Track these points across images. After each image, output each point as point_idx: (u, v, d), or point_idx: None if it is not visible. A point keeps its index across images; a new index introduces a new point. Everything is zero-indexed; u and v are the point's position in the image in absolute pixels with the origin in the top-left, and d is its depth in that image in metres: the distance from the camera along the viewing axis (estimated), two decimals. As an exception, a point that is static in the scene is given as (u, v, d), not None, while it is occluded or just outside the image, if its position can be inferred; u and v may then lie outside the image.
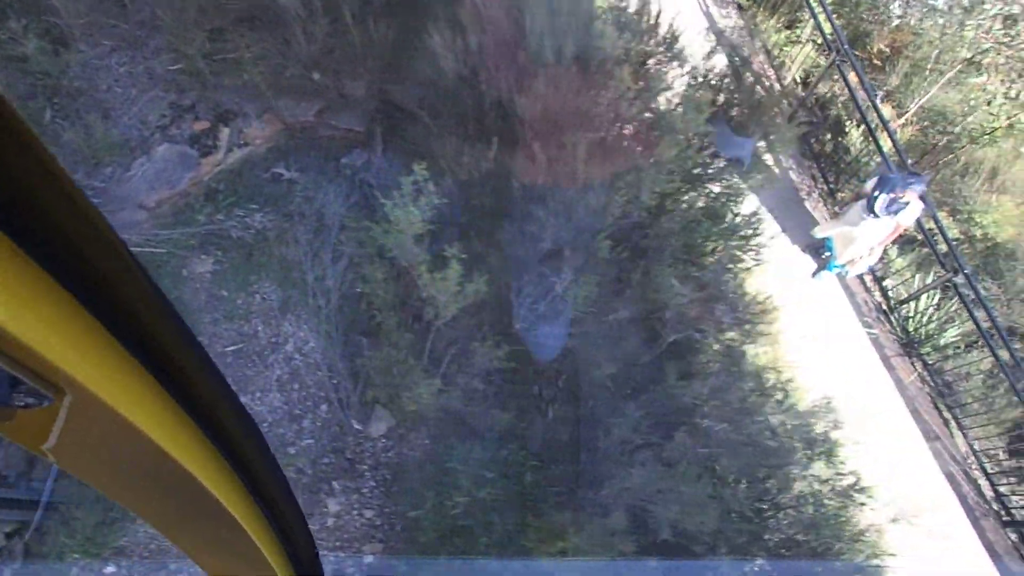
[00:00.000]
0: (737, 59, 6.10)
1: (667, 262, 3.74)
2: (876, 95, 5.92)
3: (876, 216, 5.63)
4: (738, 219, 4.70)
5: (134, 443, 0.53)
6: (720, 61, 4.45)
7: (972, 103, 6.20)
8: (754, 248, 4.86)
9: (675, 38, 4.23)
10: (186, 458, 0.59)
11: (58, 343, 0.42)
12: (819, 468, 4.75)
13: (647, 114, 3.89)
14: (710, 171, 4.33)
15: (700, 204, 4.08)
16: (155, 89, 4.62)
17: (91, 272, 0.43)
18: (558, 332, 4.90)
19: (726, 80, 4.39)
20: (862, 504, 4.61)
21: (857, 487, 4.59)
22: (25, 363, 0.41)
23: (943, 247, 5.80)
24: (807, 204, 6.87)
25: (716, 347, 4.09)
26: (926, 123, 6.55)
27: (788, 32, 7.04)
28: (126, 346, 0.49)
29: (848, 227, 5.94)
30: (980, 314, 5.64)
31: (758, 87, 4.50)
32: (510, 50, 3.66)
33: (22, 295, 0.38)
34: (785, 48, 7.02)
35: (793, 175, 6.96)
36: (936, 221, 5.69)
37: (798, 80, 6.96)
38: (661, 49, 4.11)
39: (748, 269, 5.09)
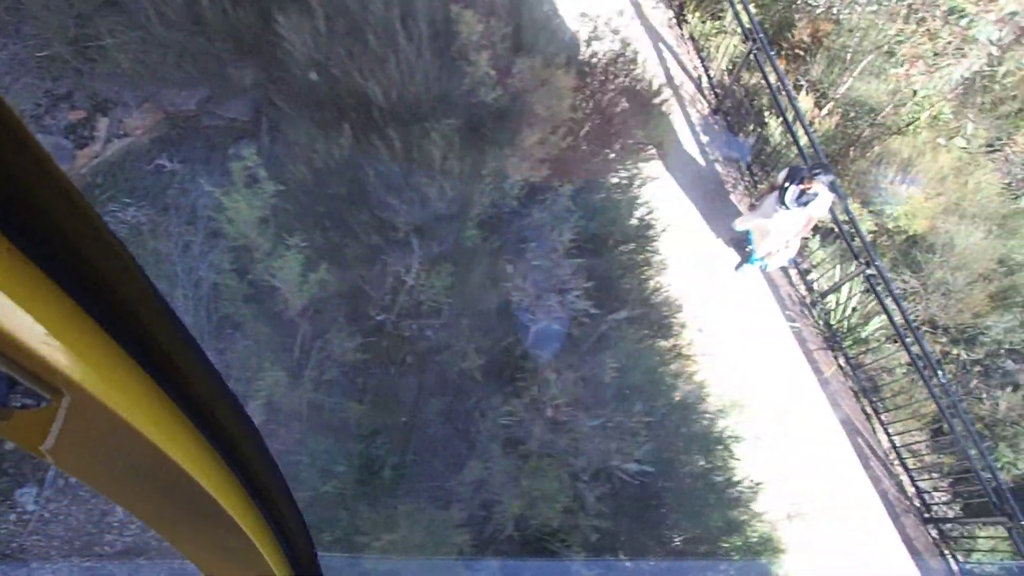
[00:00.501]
0: (628, 47, 6.00)
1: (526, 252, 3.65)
2: (791, 85, 5.84)
3: (787, 208, 5.55)
4: (630, 211, 4.61)
5: (132, 444, 0.54)
6: (604, 47, 4.34)
7: (899, 95, 6.12)
8: (647, 239, 4.78)
9: (551, 23, 4.13)
10: (184, 459, 0.59)
11: (56, 344, 0.42)
12: (705, 463, 4.66)
13: (508, 101, 3.79)
14: (591, 164, 4.23)
15: (571, 193, 3.98)
16: (29, 76, 4.51)
17: (89, 272, 0.42)
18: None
19: (614, 67, 4.28)
20: (737, 498, 4.53)
21: (734, 482, 4.51)
22: (23, 364, 0.41)
23: (859, 240, 5.71)
24: (732, 197, 6.78)
25: (599, 339, 3.99)
26: (852, 114, 6.47)
27: (715, 23, 6.95)
28: (124, 347, 0.49)
29: (763, 219, 5.87)
30: (895, 307, 5.56)
31: (639, 74, 4.40)
32: (361, 33, 3.56)
33: (20, 295, 0.38)
34: (712, 38, 6.93)
35: (719, 167, 6.87)
36: (848, 213, 5.60)
37: (725, 70, 6.87)
38: (533, 34, 4.02)
39: (645, 261, 5.01)
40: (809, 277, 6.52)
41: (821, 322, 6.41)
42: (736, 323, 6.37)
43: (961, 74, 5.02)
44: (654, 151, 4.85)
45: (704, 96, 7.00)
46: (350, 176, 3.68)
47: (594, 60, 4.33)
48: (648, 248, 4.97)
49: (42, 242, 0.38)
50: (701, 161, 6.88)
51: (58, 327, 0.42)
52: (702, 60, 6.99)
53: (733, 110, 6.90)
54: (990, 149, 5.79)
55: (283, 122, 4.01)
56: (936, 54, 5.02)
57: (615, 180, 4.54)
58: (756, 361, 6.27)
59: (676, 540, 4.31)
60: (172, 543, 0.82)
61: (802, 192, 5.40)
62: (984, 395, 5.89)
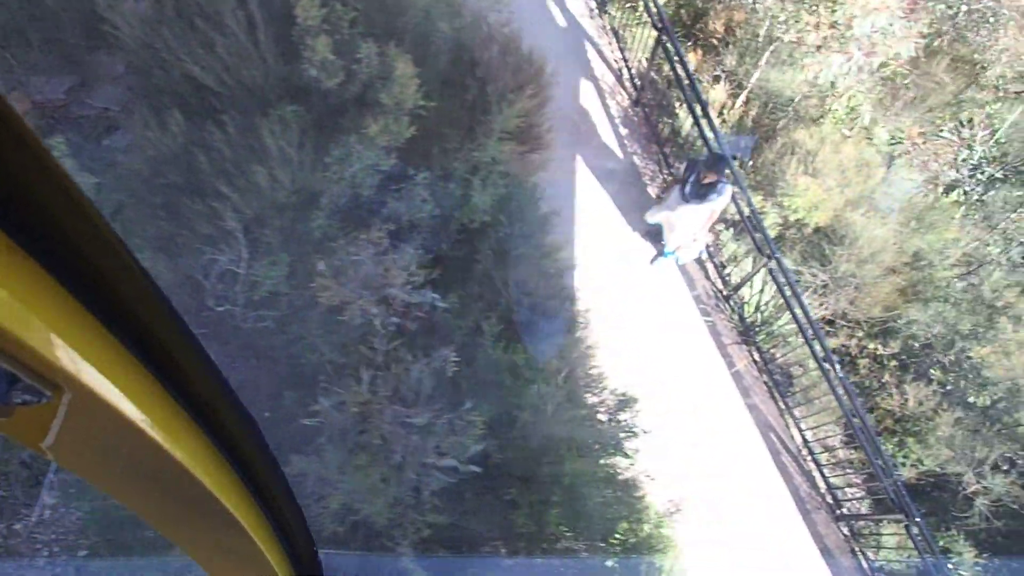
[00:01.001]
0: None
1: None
2: (695, 75, 5.74)
3: (688, 201, 5.46)
4: (508, 201, 4.53)
5: (134, 441, 0.54)
6: (478, 31, 4.24)
7: (812, 86, 6.01)
8: (529, 229, 4.69)
9: (413, 8, 4.04)
10: (186, 457, 0.59)
11: (57, 341, 0.42)
12: (589, 460, 4.58)
13: (357, 87, 3.70)
14: (455, 152, 4.14)
15: (428, 182, 3.88)
16: None
17: (89, 269, 0.42)
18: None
19: (487, 52, 4.18)
20: (621, 495, 4.45)
21: (616, 477, 4.43)
22: (23, 360, 0.41)
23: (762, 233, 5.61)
24: (650, 189, 6.68)
25: (448, 333, 3.91)
26: (770, 105, 6.37)
27: (636, 13, 6.84)
28: (125, 344, 0.49)
29: (669, 212, 5.78)
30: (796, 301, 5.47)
31: (520, 60, 4.30)
32: (190, 17, 3.46)
33: (20, 292, 0.38)
34: (632, 29, 6.82)
35: (637, 159, 6.77)
36: (750, 205, 5.51)
37: (644, 61, 6.75)
38: (388, 18, 3.92)
39: (537, 253, 4.92)
40: (725, 271, 6.43)
41: (735, 316, 6.32)
42: (650, 317, 6.29)
43: (840, 66, 4.92)
44: (541, 140, 4.75)
45: (624, 88, 6.90)
46: (186, 164, 3.58)
47: (463, 45, 4.22)
48: (535, 239, 4.87)
49: (42, 239, 0.38)
50: (619, 153, 6.79)
51: (58, 324, 0.41)
52: (622, 52, 6.89)
53: (654, 102, 6.79)
54: (892, 142, 5.69)
55: (143, 110, 3.91)
56: (819, 46, 4.91)
57: (483, 169, 4.39)
58: (668, 355, 6.19)
59: (548, 538, 4.23)
60: (175, 542, 0.82)
61: (701, 184, 5.32)
62: (894, 390, 5.80)
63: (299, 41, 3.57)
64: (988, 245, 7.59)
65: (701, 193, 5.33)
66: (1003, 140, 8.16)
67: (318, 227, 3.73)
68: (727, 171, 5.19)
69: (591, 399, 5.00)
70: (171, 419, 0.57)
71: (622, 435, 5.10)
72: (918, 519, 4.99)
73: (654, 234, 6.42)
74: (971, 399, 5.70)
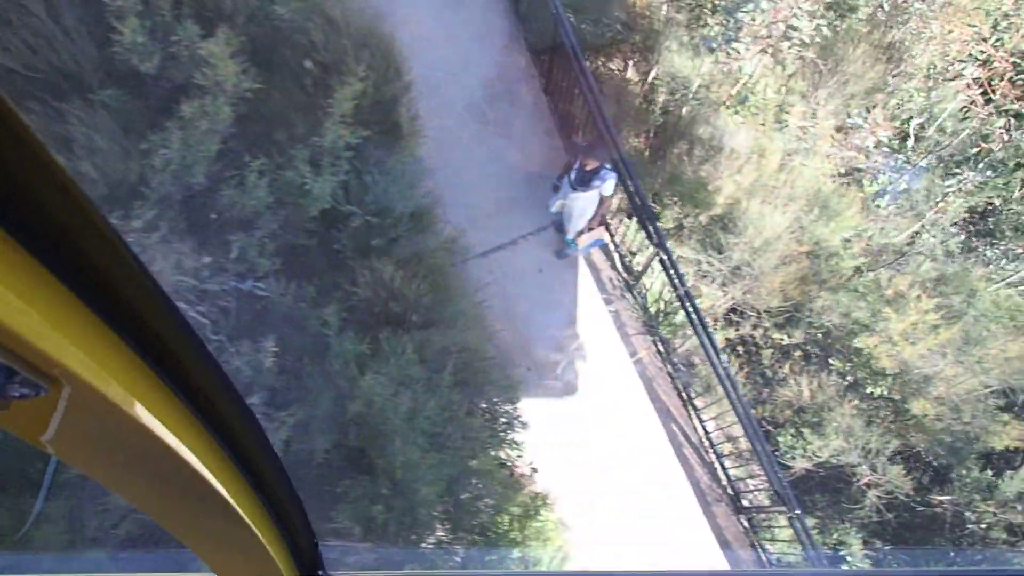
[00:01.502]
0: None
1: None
2: (584, 59, 5.61)
3: (575, 188, 5.37)
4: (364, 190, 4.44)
5: (134, 436, 0.54)
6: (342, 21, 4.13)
7: (729, 72, 5.88)
8: (391, 217, 4.60)
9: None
10: (187, 451, 0.60)
11: (55, 335, 0.42)
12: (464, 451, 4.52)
13: (178, 71, 3.60)
14: (302, 138, 4.04)
15: (263, 169, 3.79)
16: None
17: (87, 264, 0.43)
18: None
19: (324, 29, 4.07)
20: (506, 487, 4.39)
21: (496, 471, 4.37)
22: (20, 354, 0.41)
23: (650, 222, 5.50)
24: (566, 179, 6.56)
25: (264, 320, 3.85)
26: (678, 93, 6.24)
27: (546, -2, 6.69)
28: (124, 339, 0.49)
29: (562, 200, 5.69)
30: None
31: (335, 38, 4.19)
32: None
33: (18, 287, 0.38)
34: (540, 13, 6.67)
35: (547, 148, 6.65)
36: (638, 193, 5.40)
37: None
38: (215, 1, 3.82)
39: (410, 241, 4.84)
40: (629, 260, 6.33)
41: (639, 306, 6.23)
42: (552, 306, 6.21)
43: (734, 50, 4.79)
44: (402, 128, 4.65)
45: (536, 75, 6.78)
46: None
47: (302, 28, 4.12)
48: (404, 229, 4.78)
49: (39, 233, 0.38)
50: (529, 142, 6.67)
51: (56, 317, 0.42)
52: (531, 39, 6.75)
53: (563, 88, 6.66)
54: (779, 126, 5.57)
55: None
56: (706, 24, 4.78)
57: (327, 156, 4.25)
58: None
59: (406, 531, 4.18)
60: (176, 535, 0.82)
61: (584, 171, 5.22)
62: (792, 380, 5.72)
63: (110, 24, 3.48)
64: (919, 234, 7.49)
65: (585, 180, 5.24)
66: (949, 129, 8.03)
67: (138, 216, 3.64)
68: (605, 156, 5.09)
69: (468, 391, 4.92)
70: (171, 413, 0.57)
71: (503, 427, 5.05)
72: (798, 511, 4.92)
73: (559, 224, 6.32)
74: (868, 389, 5.62)
